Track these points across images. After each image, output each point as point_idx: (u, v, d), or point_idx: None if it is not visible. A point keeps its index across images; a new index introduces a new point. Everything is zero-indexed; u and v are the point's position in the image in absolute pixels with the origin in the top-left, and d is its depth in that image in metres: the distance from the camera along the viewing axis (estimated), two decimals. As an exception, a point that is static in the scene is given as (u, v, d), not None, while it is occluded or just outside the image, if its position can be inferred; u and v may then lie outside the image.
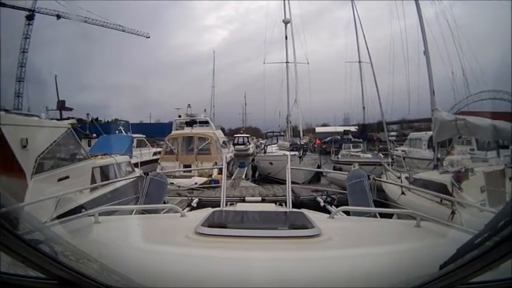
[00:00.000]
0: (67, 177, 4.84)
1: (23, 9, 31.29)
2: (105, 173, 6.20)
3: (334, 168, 13.88)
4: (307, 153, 13.07)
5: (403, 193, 5.54)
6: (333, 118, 46.38)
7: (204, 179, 8.94)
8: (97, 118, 20.47)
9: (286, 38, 19.87)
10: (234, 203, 3.23)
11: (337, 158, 16.78)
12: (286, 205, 2.71)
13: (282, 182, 9.05)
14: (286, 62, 20.23)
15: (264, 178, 13.26)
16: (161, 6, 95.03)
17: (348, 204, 2.93)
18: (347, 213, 2.32)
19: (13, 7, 29.33)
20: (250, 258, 1.11)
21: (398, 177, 6.90)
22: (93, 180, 5.54)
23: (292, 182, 9.18)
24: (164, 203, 3.32)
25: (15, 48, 30.21)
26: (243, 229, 1.35)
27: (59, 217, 1.76)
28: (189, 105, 17.71)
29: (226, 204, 2.55)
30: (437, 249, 1.07)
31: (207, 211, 1.78)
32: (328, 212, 1.90)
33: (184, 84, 68.28)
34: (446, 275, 0.73)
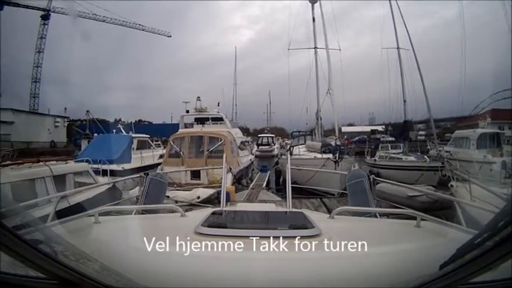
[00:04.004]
0: None
1: (38, 8, 31.16)
2: (22, 192, 4.45)
3: (371, 173, 12.26)
4: (344, 156, 10.57)
5: None
6: (358, 118, 45.48)
7: (210, 192, 6.89)
8: (120, 119, 19.58)
9: (313, 20, 16.60)
10: (235, 203, 3.22)
11: (374, 160, 14.60)
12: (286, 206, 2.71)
13: (314, 192, 7.96)
14: (315, 48, 16.86)
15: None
16: (185, 6, 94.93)
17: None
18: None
19: (27, 7, 29.05)
20: (250, 258, 1.11)
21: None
22: None
23: (326, 193, 7.99)
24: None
25: (30, 48, 30.13)
26: (243, 229, 1.35)
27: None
28: (198, 97, 14.19)
29: (226, 204, 2.55)
30: (437, 249, 1.07)
31: (207, 211, 1.78)
32: (329, 212, 1.90)
33: (210, 85, 67.07)
34: (446, 275, 0.74)
